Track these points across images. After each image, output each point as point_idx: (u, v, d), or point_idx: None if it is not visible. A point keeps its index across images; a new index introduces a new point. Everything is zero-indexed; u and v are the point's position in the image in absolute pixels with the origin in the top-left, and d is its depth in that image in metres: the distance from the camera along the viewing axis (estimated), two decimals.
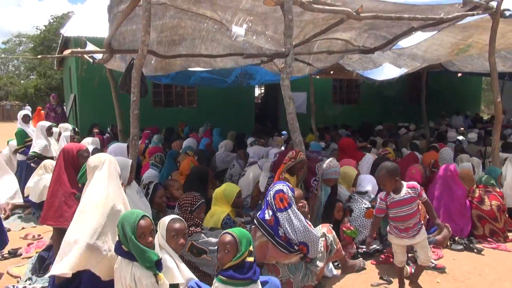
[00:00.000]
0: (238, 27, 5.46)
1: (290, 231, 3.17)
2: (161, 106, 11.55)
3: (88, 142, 6.27)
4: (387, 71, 8.37)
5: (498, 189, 4.71)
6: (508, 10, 5.26)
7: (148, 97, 11.15)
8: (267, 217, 3.26)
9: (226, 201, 3.80)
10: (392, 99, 14.54)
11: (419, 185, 3.30)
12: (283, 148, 7.49)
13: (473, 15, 5.11)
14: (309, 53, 6.59)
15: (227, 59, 6.38)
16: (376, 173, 3.24)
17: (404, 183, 3.27)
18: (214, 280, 2.42)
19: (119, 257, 2.31)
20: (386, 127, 12.12)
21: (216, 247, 3.12)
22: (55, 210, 2.97)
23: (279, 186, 3.31)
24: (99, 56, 6.25)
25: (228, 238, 2.39)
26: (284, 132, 11.71)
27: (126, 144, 4.24)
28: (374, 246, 4.09)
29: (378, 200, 3.34)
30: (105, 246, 2.49)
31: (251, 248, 2.39)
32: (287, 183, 3.40)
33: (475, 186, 4.78)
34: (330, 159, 4.27)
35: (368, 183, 4.36)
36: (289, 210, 3.21)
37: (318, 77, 11.66)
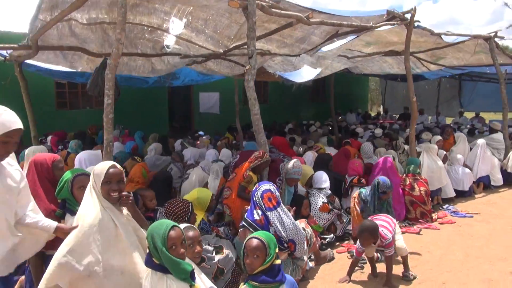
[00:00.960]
0: (177, 19, 5.30)
1: (280, 229, 3.27)
2: (65, 108, 10.52)
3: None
4: (304, 73, 8.90)
5: (423, 177, 5.44)
6: (418, 21, 6.06)
7: (50, 98, 10.14)
8: (256, 217, 3.30)
9: (200, 207, 3.72)
10: (298, 99, 15.42)
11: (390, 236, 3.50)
12: (210, 149, 7.35)
13: (393, 24, 5.77)
14: (243, 54, 6.70)
15: (163, 65, 6.18)
16: (359, 233, 3.43)
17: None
18: (244, 285, 2.41)
19: (149, 270, 2.14)
20: (294, 125, 12.84)
21: (213, 254, 3.11)
22: None
23: (265, 186, 3.38)
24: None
25: (256, 243, 2.39)
26: (201, 132, 11.63)
27: (99, 151, 3.84)
28: (328, 238, 4.42)
29: (358, 246, 3.53)
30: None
31: (277, 250, 2.43)
32: (272, 183, 3.48)
33: (404, 175, 5.44)
34: (295, 160, 4.44)
35: (326, 181, 4.64)
36: (278, 209, 3.30)
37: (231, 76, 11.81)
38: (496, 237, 4.56)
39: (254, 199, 3.35)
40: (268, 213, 3.28)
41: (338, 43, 7.08)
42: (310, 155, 5.97)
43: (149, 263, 2.13)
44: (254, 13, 4.02)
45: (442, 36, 6.90)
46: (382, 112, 17.89)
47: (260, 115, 4.20)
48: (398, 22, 5.78)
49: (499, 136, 7.93)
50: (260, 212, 3.31)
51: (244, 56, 6.85)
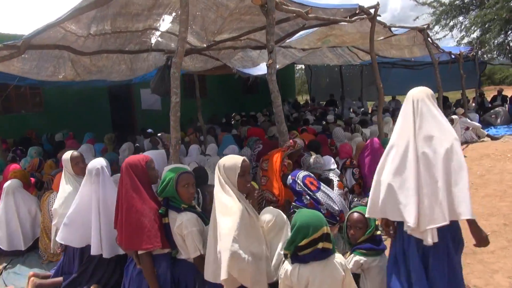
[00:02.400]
0: (168, 15, 5.27)
1: (332, 205, 3.59)
2: None
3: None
4: (263, 68, 9.26)
5: None
6: (379, 15, 6.74)
7: None
8: (306, 202, 3.58)
9: None
10: (233, 92, 15.70)
11: None
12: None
13: (359, 19, 6.36)
14: (219, 49, 6.79)
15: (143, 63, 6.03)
16: None
17: None
18: (352, 254, 2.70)
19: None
20: (243, 116, 13.13)
21: None
22: (148, 231, 2.55)
23: (301, 173, 3.65)
24: None
25: (358, 216, 2.71)
26: (150, 130, 11.31)
27: (163, 151, 3.72)
28: None
29: None
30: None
31: (377, 222, 2.77)
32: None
33: None
34: (316, 155, 4.74)
35: (334, 162, 5.05)
36: (321, 187, 3.62)
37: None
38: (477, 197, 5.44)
39: (297, 188, 3.60)
40: (316, 195, 3.58)
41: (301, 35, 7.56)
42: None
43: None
44: (273, 10, 4.22)
45: (392, 29, 7.74)
46: (310, 100, 18.96)
47: (281, 106, 4.44)
48: (364, 16, 6.39)
49: None
50: (308, 197, 3.60)
51: (220, 51, 6.96)
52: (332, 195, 3.63)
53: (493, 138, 10.07)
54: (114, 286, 3.34)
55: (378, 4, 6.45)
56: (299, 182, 3.48)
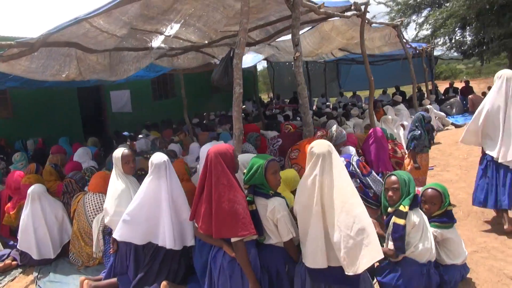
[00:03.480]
0: (176, 24, 5.25)
1: (379, 189, 3.80)
2: None
3: None
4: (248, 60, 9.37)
5: (398, 141, 6.55)
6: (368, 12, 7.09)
7: None
8: (355, 185, 3.77)
9: (290, 186, 3.92)
10: (201, 91, 15.60)
11: None
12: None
13: (349, 16, 6.66)
14: (226, 44, 6.78)
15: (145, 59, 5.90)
16: None
17: None
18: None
19: None
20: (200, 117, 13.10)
21: None
22: (243, 218, 2.55)
23: (355, 157, 3.86)
24: None
25: (433, 192, 2.94)
26: (125, 133, 10.99)
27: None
28: None
29: None
30: None
31: (449, 199, 3.00)
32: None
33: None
34: (335, 125, 4.90)
35: (353, 150, 5.27)
36: (372, 173, 3.83)
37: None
38: (462, 180, 5.91)
39: (350, 169, 3.79)
40: (367, 179, 3.78)
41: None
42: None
43: None
44: (299, 4, 4.35)
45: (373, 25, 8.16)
46: (275, 98, 19.24)
47: (307, 98, 4.58)
48: (355, 13, 6.71)
49: (402, 106, 9.82)
50: (358, 180, 3.79)
51: (219, 47, 6.96)
52: (379, 179, 3.85)
53: (457, 126, 10.91)
54: (182, 281, 3.32)
55: (368, 1, 6.81)
56: (353, 164, 3.65)
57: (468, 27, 13.37)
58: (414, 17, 15.47)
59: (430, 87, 15.33)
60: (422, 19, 14.81)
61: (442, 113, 11.22)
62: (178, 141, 7.89)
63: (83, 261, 4.03)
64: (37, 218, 4.07)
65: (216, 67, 8.63)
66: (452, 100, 13.96)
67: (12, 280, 3.97)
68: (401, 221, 2.73)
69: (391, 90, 15.76)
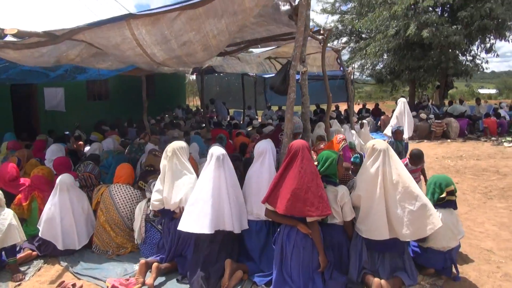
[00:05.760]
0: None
1: None
2: None
3: None
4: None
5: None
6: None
7: None
8: None
9: None
10: (132, 96, 15.35)
11: None
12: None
13: (318, 39, 7.61)
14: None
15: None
16: None
17: None
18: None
19: None
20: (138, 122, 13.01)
21: None
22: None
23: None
24: None
25: None
26: (67, 132, 10.45)
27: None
28: None
29: None
30: None
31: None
32: None
33: None
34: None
35: None
36: None
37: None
38: None
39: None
40: None
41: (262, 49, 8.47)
42: None
43: None
44: (308, 26, 5.06)
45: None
46: (204, 107, 19.58)
47: (309, 107, 5.28)
48: (323, 37, 7.67)
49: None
50: None
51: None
52: None
53: None
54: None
55: (331, 28, 7.83)
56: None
57: (384, 58, 15.53)
58: (335, 43, 17.33)
59: (345, 107, 17.30)
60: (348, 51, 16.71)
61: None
62: (144, 142, 7.93)
63: (112, 250, 4.12)
64: (64, 208, 4.05)
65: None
66: (365, 120, 15.99)
67: (38, 270, 3.90)
68: None
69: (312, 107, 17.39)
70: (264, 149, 3.77)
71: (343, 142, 5.57)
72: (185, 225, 3.48)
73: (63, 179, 4.09)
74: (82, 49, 5.09)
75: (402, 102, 10.15)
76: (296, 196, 3.13)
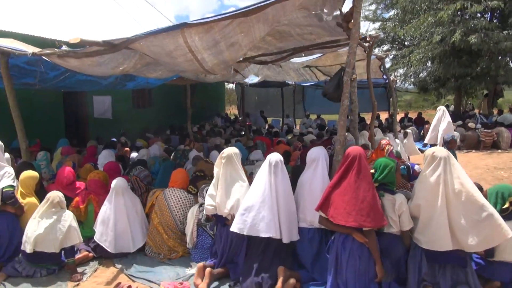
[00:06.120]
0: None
1: None
2: None
3: None
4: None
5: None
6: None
7: None
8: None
9: None
10: (175, 103, 15.72)
11: None
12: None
13: (365, 46, 7.49)
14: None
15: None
16: None
17: None
18: None
19: None
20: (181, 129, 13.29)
21: None
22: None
23: None
24: None
25: None
26: (113, 139, 10.81)
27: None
28: None
29: None
30: None
31: None
32: None
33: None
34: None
35: None
36: None
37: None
38: None
39: None
40: None
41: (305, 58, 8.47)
42: None
43: None
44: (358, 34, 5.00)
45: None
46: (244, 116, 19.80)
47: (358, 115, 5.21)
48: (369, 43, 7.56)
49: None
50: None
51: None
52: None
53: (422, 151, 12.25)
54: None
55: (378, 35, 7.71)
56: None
57: (428, 65, 15.08)
58: (376, 50, 17.05)
59: (386, 115, 16.92)
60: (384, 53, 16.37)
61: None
62: (189, 149, 8.08)
63: (164, 253, 4.20)
64: (119, 212, 4.17)
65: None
66: (409, 129, 15.56)
67: (95, 271, 4.02)
68: None
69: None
70: (317, 156, 3.73)
71: (387, 147, 5.42)
72: (239, 228, 3.49)
73: (119, 183, 4.22)
74: (137, 60, 5.27)
75: (442, 110, 9.85)
76: (351, 205, 3.07)
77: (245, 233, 3.48)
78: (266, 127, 16.09)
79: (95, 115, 12.07)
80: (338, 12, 4.34)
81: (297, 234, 3.63)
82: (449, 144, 6.10)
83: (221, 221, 3.84)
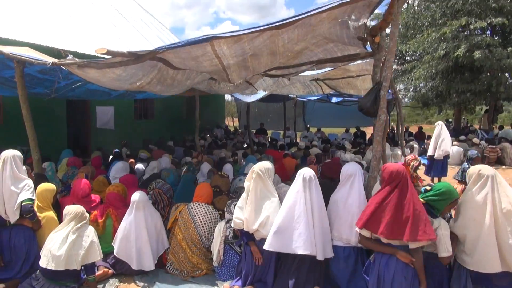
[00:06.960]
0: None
1: None
2: None
3: None
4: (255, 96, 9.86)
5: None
6: None
7: None
8: None
9: None
10: (174, 115, 15.64)
11: None
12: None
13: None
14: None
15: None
16: None
17: None
18: None
19: None
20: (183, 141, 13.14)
21: None
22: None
23: None
24: None
25: None
26: (116, 150, 10.61)
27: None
28: None
29: None
30: None
31: None
32: None
33: None
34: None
35: None
36: None
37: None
38: None
39: None
40: None
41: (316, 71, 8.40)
42: None
43: None
44: (383, 47, 4.95)
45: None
46: (244, 129, 19.70)
47: (382, 126, 5.11)
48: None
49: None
50: None
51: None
52: None
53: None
54: None
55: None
56: None
57: (429, 80, 15.19)
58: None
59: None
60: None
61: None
62: (197, 162, 7.94)
63: (187, 271, 4.02)
64: (139, 227, 4.00)
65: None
66: (411, 143, 15.57)
67: None
68: None
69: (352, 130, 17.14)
70: (353, 172, 3.62)
71: (413, 162, 5.31)
72: (274, 246, 3.35)
73: (141, 197, 4.05)
74: (153, 75, 5.17)
75: (440, 125, 9.85)
76: (402, 221, 2.96)
77: (282, 251, 3.34)
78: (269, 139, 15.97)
79: (98, 125, 11.88)
80: (362, 23, 4.30)
81: (331, 251, 3.49)
82: (473, 161, 6.03)
83: (246, 238, 3.69)
